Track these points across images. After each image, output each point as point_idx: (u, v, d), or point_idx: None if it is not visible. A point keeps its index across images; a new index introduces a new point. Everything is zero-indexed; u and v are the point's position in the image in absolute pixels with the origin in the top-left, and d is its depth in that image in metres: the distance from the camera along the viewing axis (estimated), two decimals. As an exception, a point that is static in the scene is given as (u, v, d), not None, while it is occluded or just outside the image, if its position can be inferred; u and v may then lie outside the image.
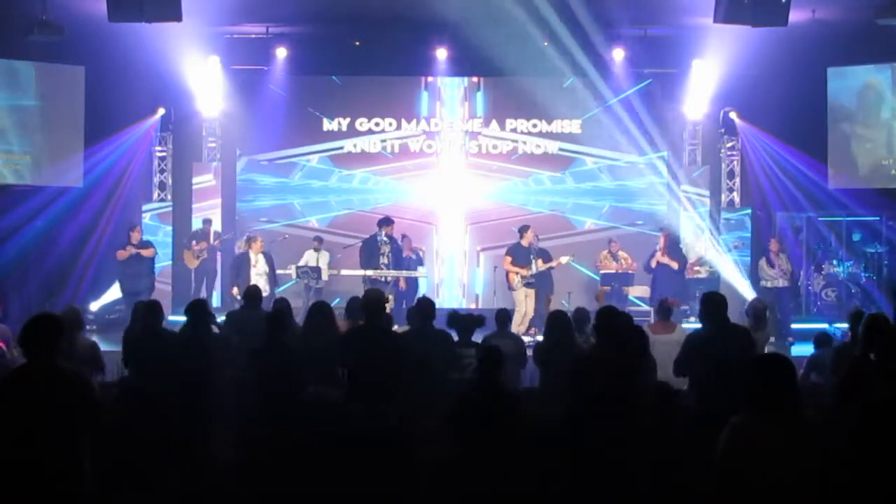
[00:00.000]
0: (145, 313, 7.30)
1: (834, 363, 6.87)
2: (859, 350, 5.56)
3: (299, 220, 14.69)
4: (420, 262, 13.27)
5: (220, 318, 8.59)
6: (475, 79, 14.72)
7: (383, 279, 12.22)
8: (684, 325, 9.25)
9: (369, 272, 12.24)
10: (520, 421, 4.86)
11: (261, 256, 12.59)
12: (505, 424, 4.85)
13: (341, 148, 14.75)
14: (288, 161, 14.76)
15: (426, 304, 7.28)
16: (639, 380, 5.15)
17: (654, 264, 12.81)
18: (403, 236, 13.12)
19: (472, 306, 14.16)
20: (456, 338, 7.17)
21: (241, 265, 12.59)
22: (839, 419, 4.76)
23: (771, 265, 12.55)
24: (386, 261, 12.30)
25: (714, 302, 6.48)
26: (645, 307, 12.87)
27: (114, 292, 13.32)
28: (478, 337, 7.53)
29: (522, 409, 5.08)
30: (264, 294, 9.51)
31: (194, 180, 14.60)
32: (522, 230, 12.40)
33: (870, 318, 5.69)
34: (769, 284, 12.49)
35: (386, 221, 12.49)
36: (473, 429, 4.90)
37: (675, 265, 12.74)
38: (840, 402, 5.31)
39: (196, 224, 14.19)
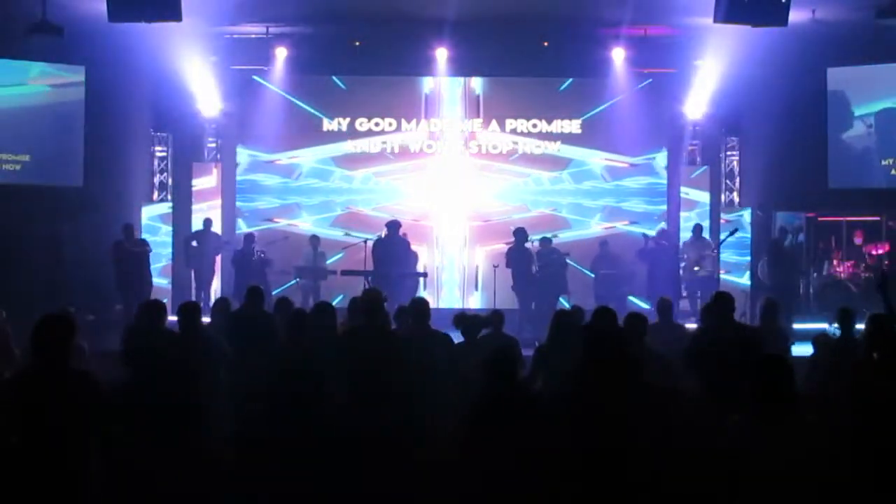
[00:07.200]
0: (148, 312, 7.27)
1: (832, 363, 6.89)
2: (863, 350, 5.55)
3: (300, 220, 14.67)
4: (416, 261, 13.32)
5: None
6: (475, 79, 14.69)
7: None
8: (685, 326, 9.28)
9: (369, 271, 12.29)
10: (540, 421, 4.85)
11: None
12: (525, 423, 4.84)
13: (341, 148, 14.75)
14: (289, 162, 14.76)
15: (421, 305, 7.26)
16: (639, 380, 5.13)
17: (651, 244, 12.95)
18: (404, 235, 13.14)
19: (472, 306, 14.13)
20: (461, 339, 7.16)
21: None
22: (842, 419, 4.76)
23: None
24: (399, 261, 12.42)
25: (723, 301, 6.71)
26: (645, 307, 12.86)
27: (113, 292, 13.28)
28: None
29: (544, 407, 5.08)
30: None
31: (194, 180, 14.62)
32: (519, 232, 12.55)
33: (874, 318, 5.68)
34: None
35: (395, 224, 12.62)
36: (493, 428, 4.89)
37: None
38: (843, 402, 5.30)
39: (196, 224, 14.16)
